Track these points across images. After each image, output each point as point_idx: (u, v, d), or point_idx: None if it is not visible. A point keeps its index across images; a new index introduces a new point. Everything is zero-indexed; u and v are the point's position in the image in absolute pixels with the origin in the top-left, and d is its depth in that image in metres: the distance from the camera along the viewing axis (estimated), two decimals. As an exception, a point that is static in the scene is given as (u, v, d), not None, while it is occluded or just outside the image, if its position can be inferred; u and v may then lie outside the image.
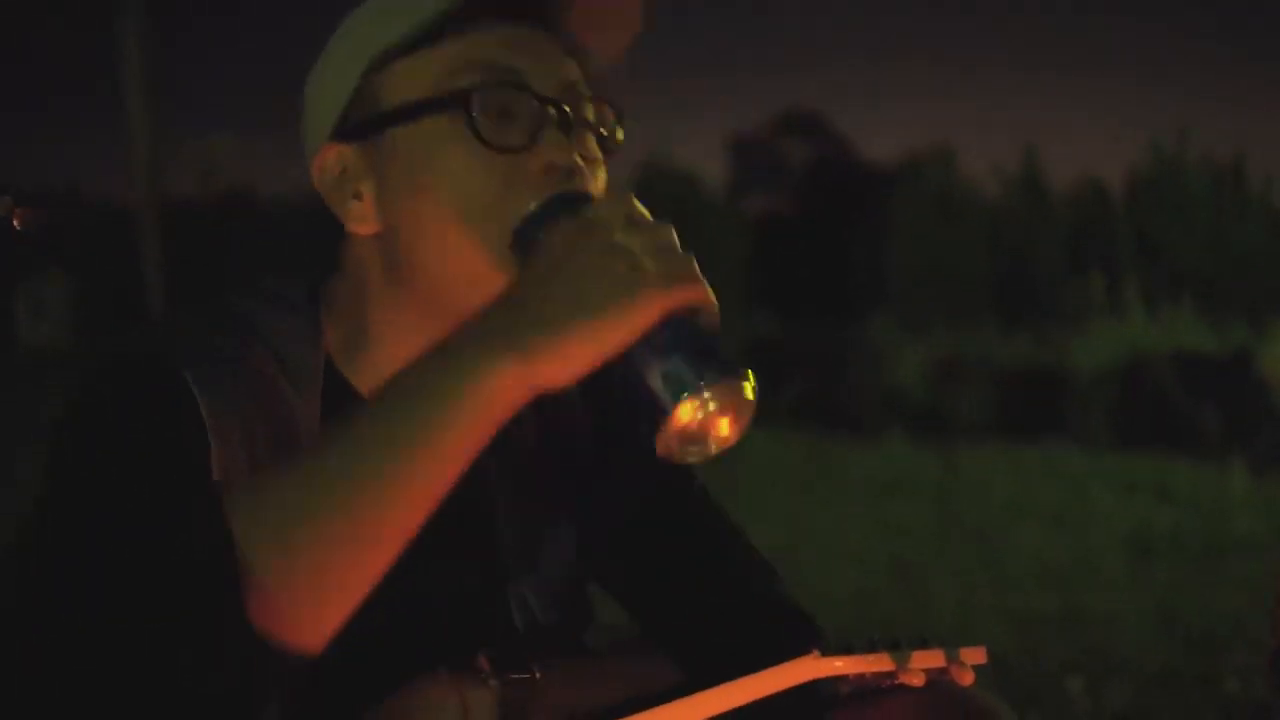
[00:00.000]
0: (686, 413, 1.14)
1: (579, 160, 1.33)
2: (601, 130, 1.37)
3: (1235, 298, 10.27)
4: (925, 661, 1.37)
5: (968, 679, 1.39)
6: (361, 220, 1.37)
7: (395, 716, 1.35)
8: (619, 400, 1.55)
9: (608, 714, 1.39)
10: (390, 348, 1.38)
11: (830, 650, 1.37)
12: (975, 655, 1.40)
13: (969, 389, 9.69)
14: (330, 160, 1.38)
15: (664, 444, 1.17)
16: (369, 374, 1.39)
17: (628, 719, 1.37)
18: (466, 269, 1.32)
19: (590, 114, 1.37)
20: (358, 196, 1.37)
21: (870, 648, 1.37)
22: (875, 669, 1.36)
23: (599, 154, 1.37)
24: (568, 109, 1.34)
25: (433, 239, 1.33)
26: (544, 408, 1.48)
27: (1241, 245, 10.65)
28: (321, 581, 1.16)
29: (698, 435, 1.18)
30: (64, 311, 14.74)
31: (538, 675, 1.38)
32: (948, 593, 5.45)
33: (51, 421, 1.29)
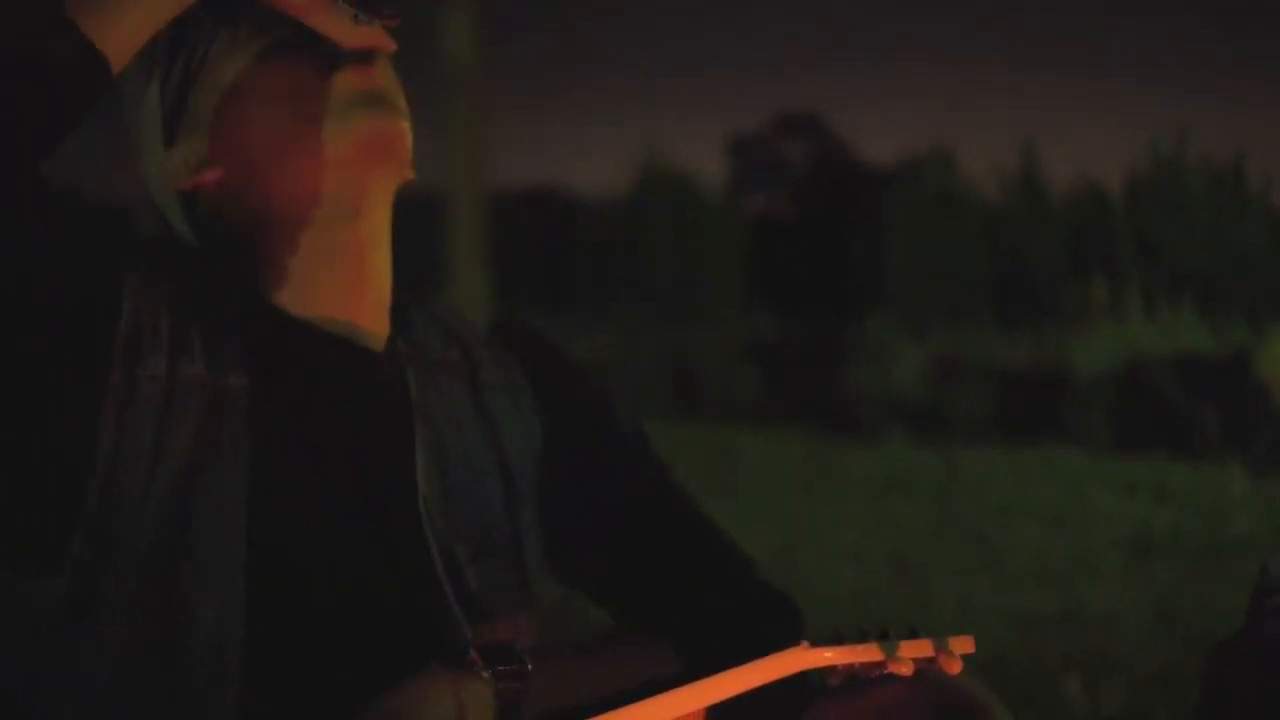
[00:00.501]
0: None
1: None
2: None
3: (1235, 299, 10.27)
4: (914, 651, 1.38)
5: (956, 668, 1.40)
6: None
7: (390, 714, 1.35)
8: (579, 401, 1.58)
9: (599, 705, 1.40)
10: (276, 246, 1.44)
11: (820, 640, 1.38)
12: (964, 645, 1.40)
13: (968, 389, 9.70)
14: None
15: None
16: (283, 289, 1.44)
17: (618, 711, 1.38)
18: None
19: None
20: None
21: (859, 638, 1.38)
22: (864, 659, 1.37)
23: None
24: None
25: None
26: (480, 376, 1.52)
27: (1241, 246, 10.65)
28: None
29: None
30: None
31: (530, 666, 1.39)
32: (947, 592, 5.45)
33: None
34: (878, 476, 8.07)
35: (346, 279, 1.44)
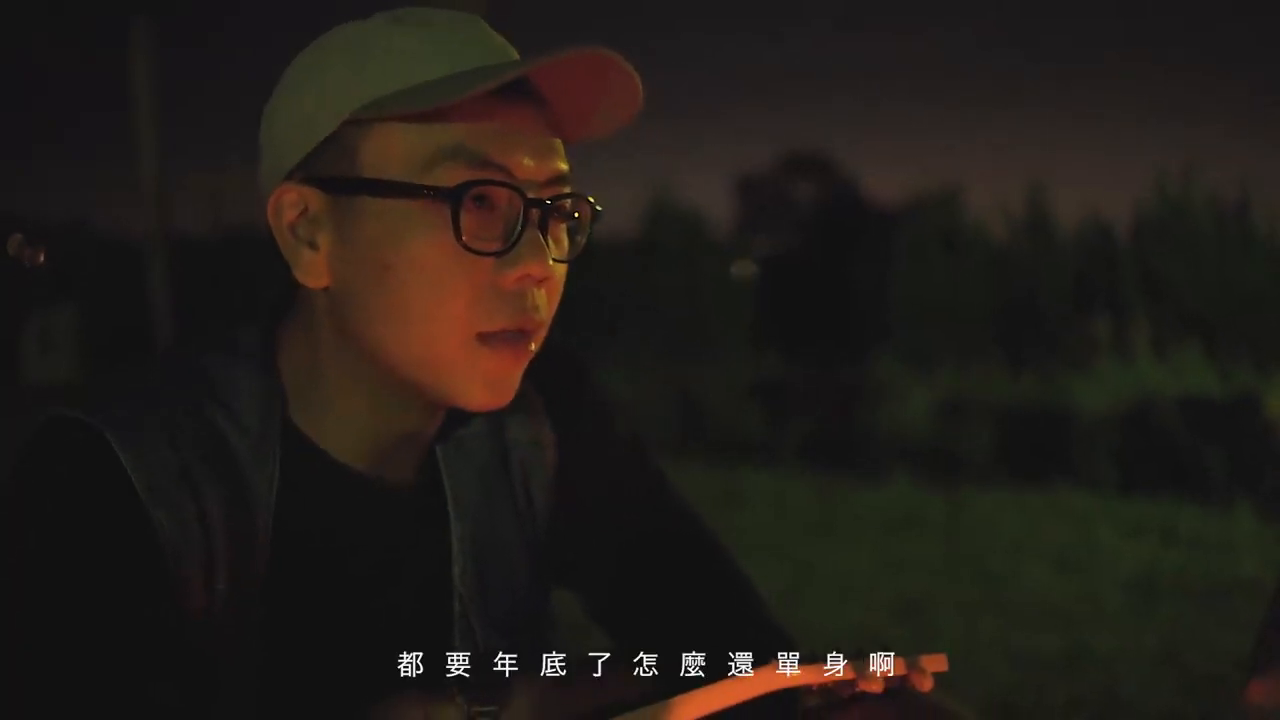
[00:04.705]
0: None
1: (550, 264, 1.32)
2: (576, 216, 1.37)
3: (1242, 339, 10.25)
4: (884, 668, 1.39)
5: (927, 685, 1.41)
6: (312, 273, 1.34)
7: None
8: (588, 423, 1.59)
9: None
10: (344, 404, 1.38)
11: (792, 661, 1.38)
12: (936, 663, 1.41)
13: (975, 429, 9.69)
14: (289, 199, 1.34)
15: None
16: (327, 430, 1.39)
17: None
18: (418, 353, 1.31)
19: (569, 205, 1.36)
20: (312, 245, 1.34)
21: (833, 658, 1.38)
22: (834, 678, 1.38)
23: (567, 248, 1.37)
24: (550, 201, 1.32)
25: (388, 319, 1.31)
26: (506, 435, 1.52)
27: (1248, 286, 10.64)
28: None
29: None
30: (72, 344, 14.74)
31: (504, 699, 1.40)
32: (952, 632, 5.44)
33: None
34: (883, 516, 8.06)
35: (394, 443, 1.42)
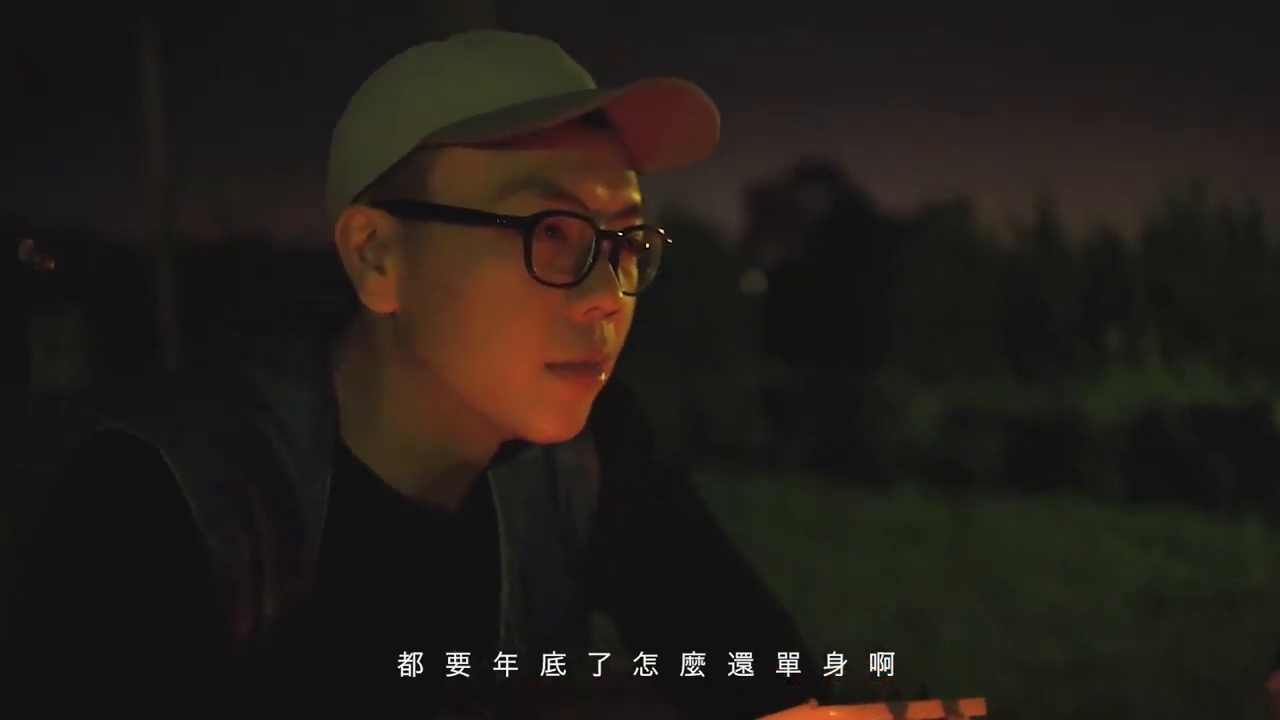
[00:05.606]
0: None
1: (620, 297, 1.32)
2: (646, 247, 1.36)
3: (1252, 349, 10.23)
4: (922, 713, 1.36)
5: None
6: (379, 296, 1.32)
7: None
8: (630, 449, 1.58)
9: None
10: (402, 429, 1.36)
11: (828, 700, 1.36)
12: (974, 707, 1.39)
13: (982, 439, 9.67)
14: (358, 222, 1.32)
15: None
16: (380, 453, 1.37)
17: None
18: (486, 382, 1.30)
19: (640, 237, 1.35)
20: (380, 269, 1.32)
21: (868, 697, 1.37)
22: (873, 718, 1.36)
23: (636, 280, 1.36)
24: (621, 233, 1.31)
25: (456, 347, 1.29)
26: (555, 459, 1.51)
27: (1258, 296, 10.62)
28: None
29: None
30: (78, 350, 14.76)
31: (534, 714, 1.39)
32: (957, 641, 5.43)
33: (37, 515, 1.28)
34: (890, 525, 8.05)
35: (448, 470, 1.41)
